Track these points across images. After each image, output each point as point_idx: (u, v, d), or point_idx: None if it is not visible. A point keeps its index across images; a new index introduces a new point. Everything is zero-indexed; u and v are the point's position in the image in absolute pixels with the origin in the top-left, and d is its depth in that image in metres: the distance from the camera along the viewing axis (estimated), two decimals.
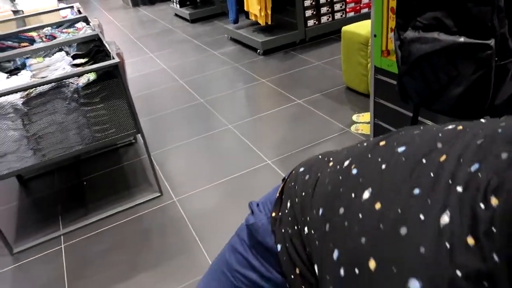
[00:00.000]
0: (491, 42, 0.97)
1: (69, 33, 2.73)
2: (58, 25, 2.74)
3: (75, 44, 2.41)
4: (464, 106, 1.08)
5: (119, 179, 2.41)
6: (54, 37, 2.60)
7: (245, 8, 4.08)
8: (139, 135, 2.04)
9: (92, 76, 1.86)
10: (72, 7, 3.27)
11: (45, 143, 1.86)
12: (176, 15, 6.15)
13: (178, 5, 5.93)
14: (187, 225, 1.98)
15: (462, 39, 0.99)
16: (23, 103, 1.78)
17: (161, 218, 2.06)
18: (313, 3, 3.95)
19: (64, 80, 1.81)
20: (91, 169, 2.55)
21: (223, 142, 2.66)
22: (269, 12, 3.86)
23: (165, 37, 5.17)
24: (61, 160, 1.93)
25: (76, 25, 2.86)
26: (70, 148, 1.91)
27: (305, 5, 3.90)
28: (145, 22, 6.12)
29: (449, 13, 0.98)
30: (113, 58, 1.90)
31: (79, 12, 3.05)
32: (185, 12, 5.67)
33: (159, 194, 2.21)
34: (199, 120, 2.98)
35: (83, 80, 1.85)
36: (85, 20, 2.86)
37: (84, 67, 1.91)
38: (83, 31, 2.70)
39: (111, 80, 1.88)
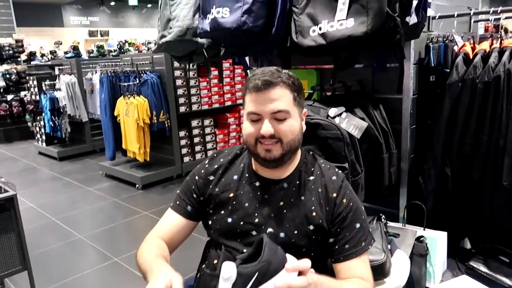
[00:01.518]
0: (346, 165, 1.42)
1: None
2: None
3: None
4: None
5: None
6: None
7: (123, 146, 4.32)
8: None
9: None
10: None
11: None
12: (41, 153, 5.95)
13: (44, 143, 5.81)
14: None
15: None
16: None
17: None
18: (188, 142, 4.44)
19: None
20: None
21: (112, 278, 2.57)
22: (148, 150, 4.17)
23: (29, 176, 4.91)
24: None
25: None
26: None
27: (181, 143, 4.36)
28: (2, 160, 5.73)
29: (318, 147, 1.43)
30: (5, 191, 1.87)
31: None
32: (53, 150, 5.57)
33: None
34: (80, 257, 2.84)
35: None
36: None
37: None
38: None
39: (3, 213, 1.82)
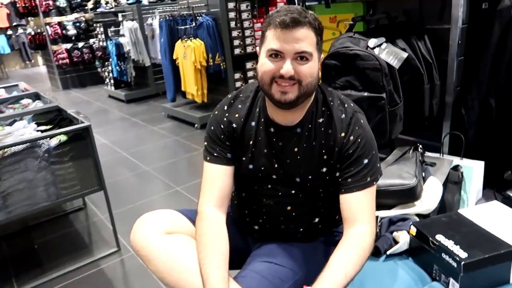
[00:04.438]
0: (384, 95, 1.46)
1: (14, 108, 2.90)
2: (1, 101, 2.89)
3: (30, 116, 2.60)
4: None
5: (73, 240, 2.49)
6: (1, 112, 2.72)
7: (182, 88, 4.56)
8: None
9: (63, 138, 2.07)
10: (17, 85, 3.47)
11: (12, 200, 1.97)
12: (110, 96, 6.45)
13: (112, 87, 6.27)
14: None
15: (366, 94, 1.48)
16: None
17: (123, 269, 2.18)
18: (243, 84, 4.57)
19: (37, 141, 2.00)
20: (42, 233, 2.58)
21: (174, 203, 2.89)
22: (205, 91, 4.38)
23: (101, 116, 5.40)
24: (27, 215, 2.02)
25: (22, 101, 3.03)
26: (36, 204, 2.03)
27: (236, 86, 4.51)
28: (79, 103, 6.30)
29: (356, 77, 1.48)
30: (82, 122, 2.15)
31: (26, 90, 3.25)
32: (120, 93, 6.01)
33: (117, 249, 2.33)
34: (147, 186, 3.19)
35: (54, 142, 2.06)
36: (36, 95, 3.08)
37: (57, 130, 2.12)
38: (33, 105, 2.90)
39: (81, 141, 2.11)
